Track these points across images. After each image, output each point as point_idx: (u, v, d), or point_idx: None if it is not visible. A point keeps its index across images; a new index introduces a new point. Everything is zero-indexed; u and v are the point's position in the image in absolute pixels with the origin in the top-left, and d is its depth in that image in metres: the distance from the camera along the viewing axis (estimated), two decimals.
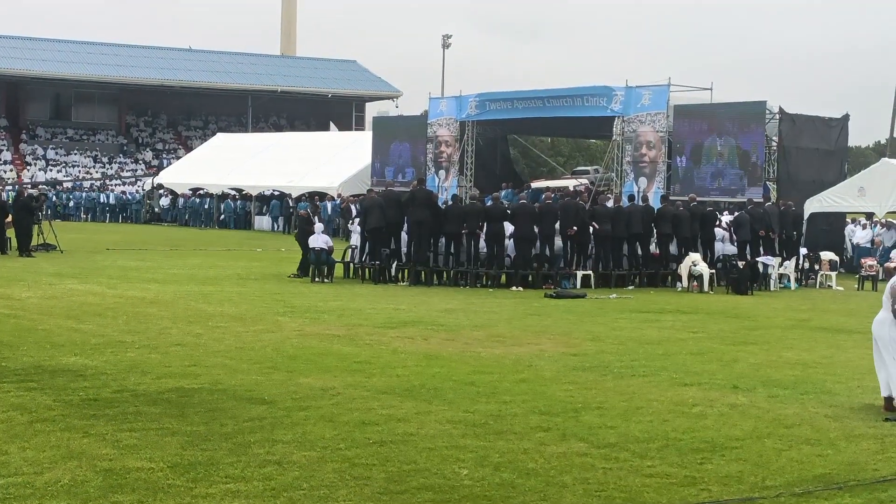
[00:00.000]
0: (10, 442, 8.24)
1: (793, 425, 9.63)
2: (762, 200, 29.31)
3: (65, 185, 63.71)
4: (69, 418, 9.10)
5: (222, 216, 53.67)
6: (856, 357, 14.04)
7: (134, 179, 66.87)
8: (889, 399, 10.26)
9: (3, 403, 9.65)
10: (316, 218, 27.80)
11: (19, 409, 9.44)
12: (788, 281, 26.47)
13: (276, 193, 51.15)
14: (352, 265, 25.33)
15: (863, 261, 28.50)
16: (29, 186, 53.37)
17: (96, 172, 70.16)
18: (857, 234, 32.93)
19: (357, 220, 26.74)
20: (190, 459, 7.85)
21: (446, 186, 41.14)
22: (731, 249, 26.67)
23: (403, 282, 23.90)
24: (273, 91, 76.35)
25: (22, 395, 10.01)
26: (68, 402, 9.74)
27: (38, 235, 30.10)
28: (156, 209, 58.07)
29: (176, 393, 10.31)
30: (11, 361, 11.85)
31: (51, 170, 70.05)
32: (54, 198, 57.70)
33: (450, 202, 25.57)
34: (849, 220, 34.41)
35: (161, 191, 57.59)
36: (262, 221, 51.88)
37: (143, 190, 60.45)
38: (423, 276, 23.87)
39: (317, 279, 23.66)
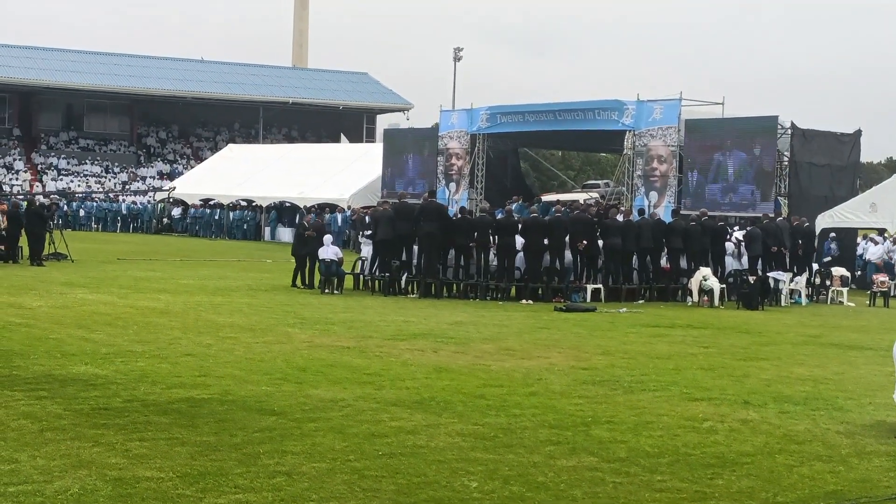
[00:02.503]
0: (21, 450, 8.24)
1: (804, 441, 9.58)
2: (774, 216, 29.31)
3: (76, 194, 63.91)
4: (79, 427, 9.10)
5: (245, 227, 53.75)
6: (867, 374, 13.99)
7: (146, 190, 67.01)
8: None
9: (14, 412, 9.66)
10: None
11: (30, 417, 9.44)
12: (799, 296, 26.41)
13: (289, 205, 51.27)
14: (362, 277, 25.35)
15: (874, 277, 28.43)
16: (41, 196, 53.47)
17: (108, 182, 70.36)
18: (870, 251, 32.85)
19: (368, 231, 26.78)
20: (199, 469, 7.85)
21: (457, 199, 41.19)
22: (743, 264, 26.64)
23: (413, 294, 23.90)
24: (284, 102, 76.53)
25: (32, 404, 10.01)
26: (78, 411, 9.74)
27: (50, 245, 30.17)
28: (165, 219, 58.23)
29: (186, 403, 10.31)
30: (22, 370, 11.86)
31: (62, 179, 70.26)
32: (65, 207, 57.86)
33: (458, 214, 25.56)
34: (860, 236, 34.36)
35: (172, 199, 57.68)
36: (280, 233, 51.99)
37: (155, 200, 60.61)
38: (433, 288, 23.87)
39: (326, 290, 23.68)
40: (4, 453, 8.14)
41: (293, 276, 24.89)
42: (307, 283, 24.66)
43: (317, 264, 24.51)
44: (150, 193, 63.63)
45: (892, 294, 27.86)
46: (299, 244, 25.39)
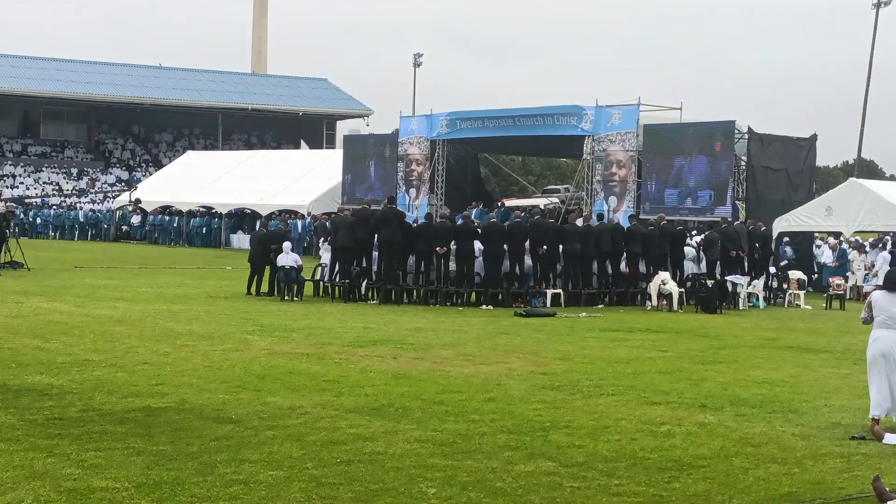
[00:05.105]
0: None
1: (760, 444, 9.66)
2: (732, 220, 29.54)
3: (32, 201, 63.24)
4: (33, 438, 9.00)
5: (204, 234, 53.38)
6: (823, 376, 14.13)
7: (103, 196, 66.44)
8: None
9: None
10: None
11: None
12: (757, 300, 26.62)
13: (249, 212, 51.07)
14: (321, 283, 25.28)
15: (831, 280, 28.73)
16: None
17: (67, 189, 69.68)
18: (825, 254, 33.18)
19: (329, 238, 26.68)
20: (156, 479, 7.79)
21: (417, 205, 41.14)
22: (702, 268, 26.79)
23: (373, 300, 23.86)
24: (244, 109, 76.21)
25: None
26: (32, 422, 9.64)
27: (6, 253, 29.82)
28: (124, 227, 57.78)
29: (142, 412, 10.23)
30: None
31: (18, 187, 69.52)
32: (21, 215, 57.23)
33: (422, 221, 25.53)
34: (818, 239, 34.71)
35: (131, 207, 57.18)
36: (234, 239, 51.74)
37: (114, 207, 60.09)
38: (392, 294, 23.84)
39: (286, 297, 23.59)
40: None
41: (248, 282, 24.79)
42: (267, 290, 24.55)
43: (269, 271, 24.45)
44: (110, 197, 63.05)
45: (847, 297, 28.15)
46: (257, 251, 25.27)
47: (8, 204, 54.13)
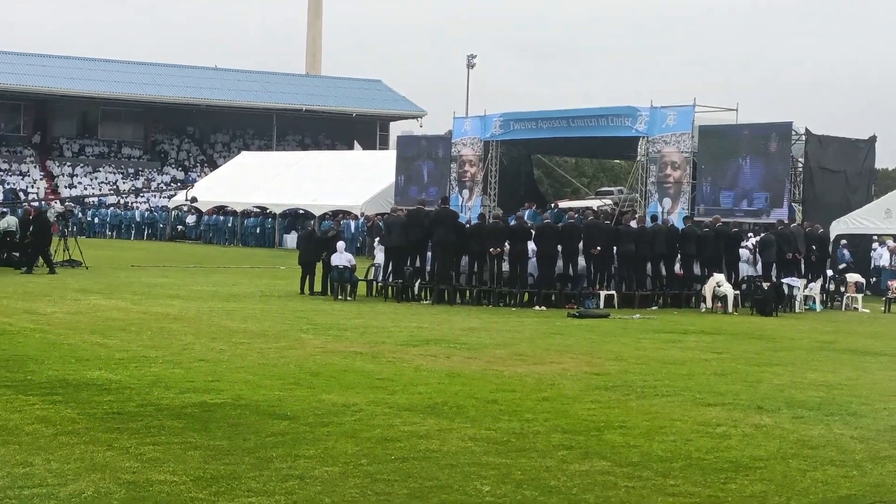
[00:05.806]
0: (36, 454, 8.28)
1: (818, 446, 9.56)
2: (789, 222, 29.25)
3: (90, 201, 64.11)
4: (93, 431, 9.14)
5: (258, 234, 53.73)
6: (882, 379, 13.95)
7: (160, 193, 67.14)
8: None
9: (29, 416, 9.70)
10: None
11: (44, 421, 9.49)
12: (814, 303, 26.31)
13: (302, 212, 51.40)
14: (375, 283, 25.36)
15: (889, 283, 28.32)
16: (56, 203, 53.66)
17: (124, 188, 70.57)
18: (884, 257, 32.73)
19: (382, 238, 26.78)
20: (212, 473, 7.87)
21: (470, 206, 41.19)
22: (758, 270, 26.52)
23: (426, 300, 23.90)
24: (298, 110, 76.69)
25: (47, 408, 10.06)
26: (92, 416, 9.79)
27: (64, 251, 30.31)
28: (179, 226, 58.40)
29: (199, 407, 10.34)
30: (37, 375, 11.92)
31: (77, 186, 70.54)
32: (80, 214, 58.06)
33: (474, 221, 25.55)
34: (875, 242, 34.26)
35: (186, 207, 57.74)
36: (288, 239, 52.10)
37: (169, 207, 60.74)
38: (445, 294, 23.87)
39: (339, 297, 23.71)
40: (19, 457, 8.20)
41: (301, 282, 24.93)
42: (321, 289, 24.69)
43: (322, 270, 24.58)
44: (166, 196, 63.64)
45: None
46: (307, 249, 25.44)
47: (66, 203, 54.95)
